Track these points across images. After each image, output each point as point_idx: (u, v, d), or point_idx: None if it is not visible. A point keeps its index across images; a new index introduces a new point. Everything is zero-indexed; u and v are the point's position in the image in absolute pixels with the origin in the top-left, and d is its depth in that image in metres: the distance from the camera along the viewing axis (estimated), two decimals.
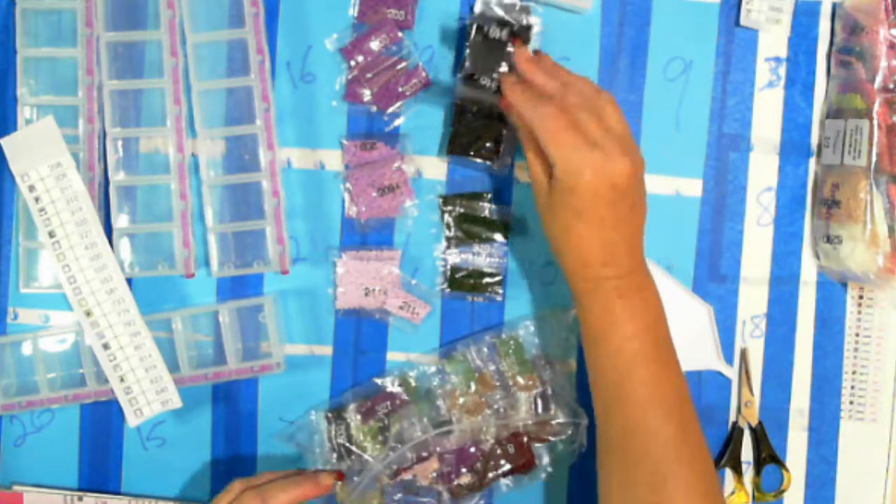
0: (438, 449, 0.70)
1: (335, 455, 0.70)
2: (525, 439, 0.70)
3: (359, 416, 0.70)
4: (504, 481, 0.71)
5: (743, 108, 0.72)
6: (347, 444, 0.70)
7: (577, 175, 0.59)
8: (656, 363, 0.61)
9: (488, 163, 0.70)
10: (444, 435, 0.70)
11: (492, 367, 0.71)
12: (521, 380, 0.70)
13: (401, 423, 0.70)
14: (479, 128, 0.70)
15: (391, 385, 0.71)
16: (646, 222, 0.64)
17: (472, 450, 0.70)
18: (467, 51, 0.67)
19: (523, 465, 0.70)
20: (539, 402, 0.70)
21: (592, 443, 0.71)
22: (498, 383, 0.71)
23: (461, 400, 0.70)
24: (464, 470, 0.70)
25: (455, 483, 0.70)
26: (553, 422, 0.70)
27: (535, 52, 0.66)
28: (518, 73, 0.64)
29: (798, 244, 0.73)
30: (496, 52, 0.67)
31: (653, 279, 0.63)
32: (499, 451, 0.70)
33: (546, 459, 0.71)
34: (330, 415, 0.71)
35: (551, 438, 0.70)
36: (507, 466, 0.70)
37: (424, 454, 0.70)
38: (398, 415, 0.70)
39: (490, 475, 0.70)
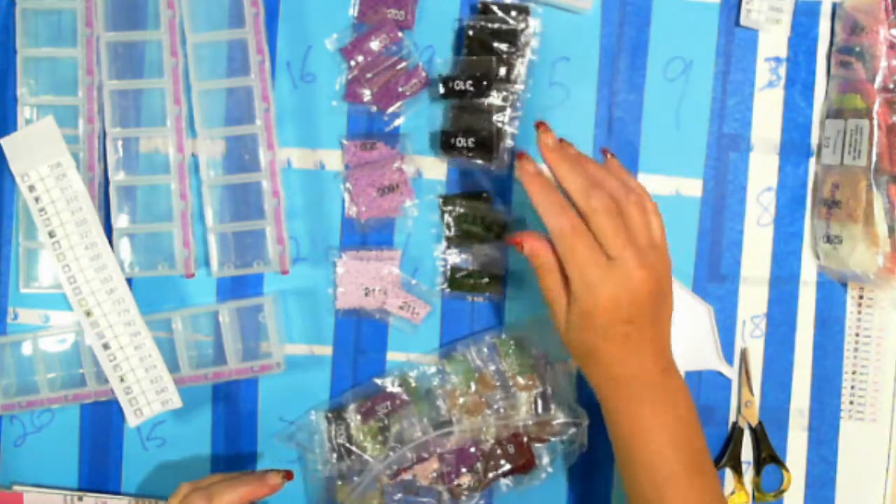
0: (438, 449, 0.70)
1: (335, 455, 0.70)
2: (525, 439, 0.70)
3: (359, 417, 0.70)
4: (504, 481, 0.71)
5: (743, 108, 0.72)
6: (347, 445, 0.70)
7: (594, 294, 0.57)
8: (694, 474, 0.59)
9: (488, 163, 0.70)
10: (445, 435, 0.70)
11: (492, 368, 0.71)
12: (521, 380, 0.70)
13: (401, 424, 0.70)
14: (475, 125, 0.70)
15: (391, 385, 0.71)
16: (671, 318, 0.62)
17: (472, 450, 0.70)
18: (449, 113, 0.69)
19: (523, 465, 0.70)
20: (539, 402, 0.70)
21: (593, 443, 0.72)
22: (498, 383, 0.71)
23: (461, 400, 0.70)
24: (463, 470, 0.70)
25: (455, 483, 0.70)
26: (553, 422, 0.70)
27: (560, 140, 0.62)
28: (530, 158, 0.61)
29: (798, 244, 0.73)
30: (473, 114, 0.69)
31: (681, 376, 0.62)
32: (499, 452, 0.70)
33: (546, 459, 0.71)
34: (330, 415, 0.71)
35: (551, 439, 0.70)
36: (507, 466, 0.70)
37: (425, 455, 0.70)
38: (398, 415, 0.70)
39: (490, 475, 0.70)
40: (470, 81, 0.69)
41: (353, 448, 0.70)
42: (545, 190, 0.59)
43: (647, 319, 0.59)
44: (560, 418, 0.70)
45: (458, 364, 0.71)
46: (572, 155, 0.61)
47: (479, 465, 0.70)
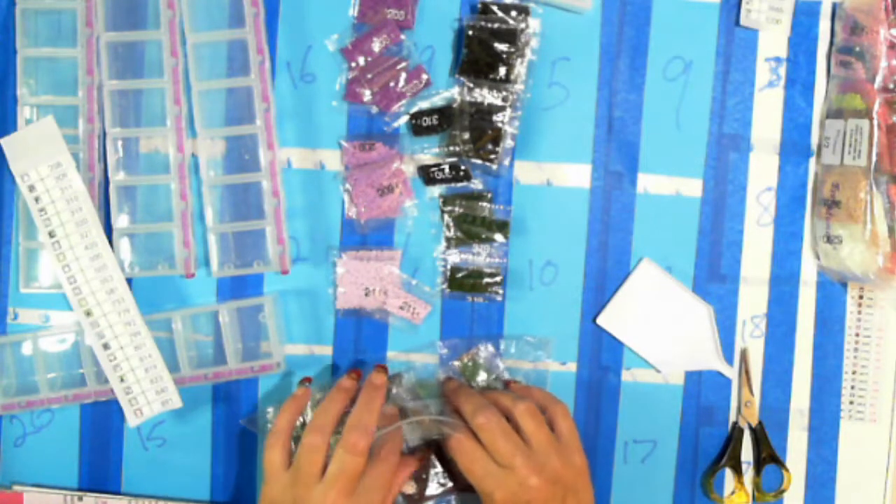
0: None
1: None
2: None
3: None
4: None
5: (743, 108, 0.72)
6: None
7: (490, 498, 0.61)
8: None
9: (488, 163, 0.70)
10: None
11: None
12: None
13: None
14: (478, 128, 0.70)
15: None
16: None
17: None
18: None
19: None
20: None
21: (589, 444, 0.72)
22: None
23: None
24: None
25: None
26: None
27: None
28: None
29: (798, 244, 0.73)
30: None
31: None
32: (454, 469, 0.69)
33: None
34: None
35: None
36: (449, 484, 0.69)
37: None
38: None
39: (437, 489, 0.69)
40: (435, 116, 0.71)
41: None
42: (462, 397, 0.66)
43: None
44: None
45: (430, 388, 0.71)
46: (467, 390, 0.68)
47: (423, 475, 0.69)
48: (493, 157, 0.70)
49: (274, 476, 0.63)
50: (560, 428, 0.64)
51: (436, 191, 0.72)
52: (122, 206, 0.71)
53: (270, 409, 0.72)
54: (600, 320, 0.72)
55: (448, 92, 0.71)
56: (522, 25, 0.70)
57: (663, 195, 0.72)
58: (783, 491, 0.73)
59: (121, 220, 0.71)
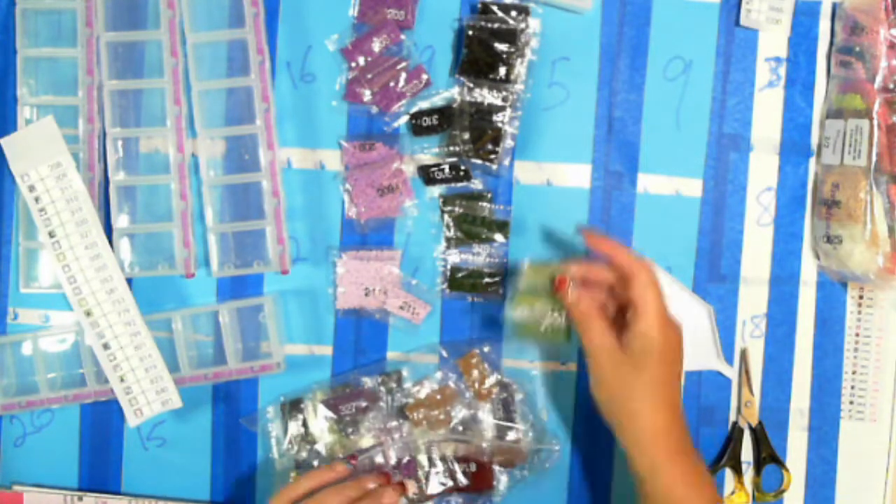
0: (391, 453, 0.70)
1: (293, 445, 0.70)
2: (488, 460, 0.70)
3: (321, 407, 0.70)
4: (455, 499, 0.70)
5: (743, 108, 0.72)
6: (303, 435, 0.70)
7: (664, 329, 0.61)
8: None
9: (488, 163, 0.70)
10: (392, 441, 0.70)
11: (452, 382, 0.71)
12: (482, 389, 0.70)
13: (360, 424, 0.70)
14: (478, 128, 0.70)
15: (370, 382, 0.71)
16: None
17: (405, 459, 0.70)
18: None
19: (477, 486, 0.70)
20: (501, 410, 0.70)
21: (590, 445, 0.72)
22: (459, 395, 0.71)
23: (422, 412, 0.70)
24: (407, 478, 0.70)
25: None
26: (522, 448, 0.70)
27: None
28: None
29: (798, 244, 0.73)
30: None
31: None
32: (454, 468, 0.70)
33: (504, 483, 0.71)
34: (287, 405, 0.71)
35: (518, 464, 0.70)
36: (451, 483, 0.70)
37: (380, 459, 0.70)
38: (364, 416, 0.70)
39: (436, 488, 0.70)
40: (435, 116, 0.70)
41: (308, 439, 0.70)
42: (616, 245, 0.65)
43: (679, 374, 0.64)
44: (526, 443, 0.70)
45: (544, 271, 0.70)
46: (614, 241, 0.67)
47: (420, 474, 0.70)
48: (493, 157, 0.70)
49: None
50: None
51: (436, 191, 0.72)
52: (122, 206, 0.71)
53: (270, 409, 0.72)
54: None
55: (448, 92, 0.71)
56: (522, 25, 0.70)
57: (663, 195, 0.72)
58: (783, 491, 0.72)
59: (121, 220, 0.70)
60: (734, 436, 0.72)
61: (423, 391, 0.71)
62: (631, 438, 0.62)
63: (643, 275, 0.62)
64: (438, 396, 0.70)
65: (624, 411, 0.62)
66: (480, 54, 0.70)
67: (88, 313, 0.69)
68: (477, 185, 0.72)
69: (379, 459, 0.70)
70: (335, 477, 0.67)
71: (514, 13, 0.70)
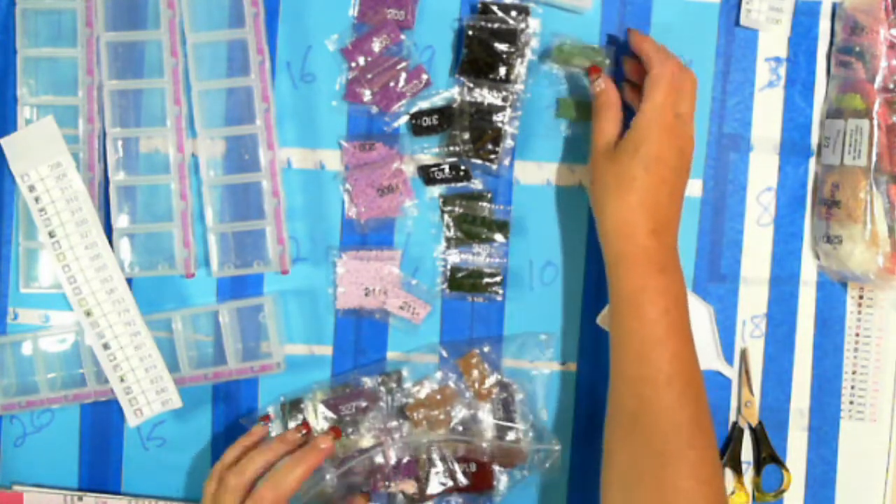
0: (390, 452, 0.70)
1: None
2: (488, 460, 0.70)
3: (321, 407, 0.70)
4: (455, 499, 0.70)
5: (743, 108, 0.72)
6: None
7: (660, 124, 0.61)
8: (682, 342, 0.61)
9: (488, 163, 0.70)
10: (392, 441, 0.70)
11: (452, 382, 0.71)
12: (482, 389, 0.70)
13: (361, 425, 0.70)
14: (478, 128, 0.70)
15: (370, 382, 0.71)
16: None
17: (405, 459, 0.70)
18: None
19: (477, 486, 0.70)
20: (501, 410, 0.70)
21: (590, 445, 0.72)
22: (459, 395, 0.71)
23: (422, 413, 0.70)
24: (407, 478, 0.70)
25: (393, 487, 0.70)
26: (522, 448, 0.70)
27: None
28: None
29: (798, 244, 0.73)
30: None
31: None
32: (455, 468, 0.70)
33: (504, 483, 0.71)
34: (287, 405, 0.71)
35: (518, 464, 0.71)
36: (450, 484, 0.70)
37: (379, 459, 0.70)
38: (364, 416, 0.70)
39: (436, 488, 0.70)
40: (435, 116, 0.70)
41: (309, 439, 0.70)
42: (649, 39, 0.66)
43: (680, 180, 0.63)
44: (526, 444, 0.70)
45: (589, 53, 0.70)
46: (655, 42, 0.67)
47: (420, 474, 0.70)
48: (493, 157, 0.70)
49: None
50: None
51: (436, 191, 0.72)
52: (122, 206, 0.71)
53: (270, 409, 0.72)
54: (600, 320, 0.72)
55: (448, 92, 0.71)
56: (522, 25, 0.70)
57: None
58: (783, 491, 0.73)
59: (121, 220, 0.71)
60: (734, 436, 0.72)
61: (423, 391, 0.71)
62: (600, 230, 0.63)
63: (657, 68, 0.63)
64: (438, 396, 0.71)
65: (597, 205, 0.64)
66: (480, 54, 0.70)
67: (88, 313, 0.69)
68: (477, 185, 0.72)
69: (379, 459, 0.70)
70: (254, 440, 0.67)
71: (514, 13, 0.70)
